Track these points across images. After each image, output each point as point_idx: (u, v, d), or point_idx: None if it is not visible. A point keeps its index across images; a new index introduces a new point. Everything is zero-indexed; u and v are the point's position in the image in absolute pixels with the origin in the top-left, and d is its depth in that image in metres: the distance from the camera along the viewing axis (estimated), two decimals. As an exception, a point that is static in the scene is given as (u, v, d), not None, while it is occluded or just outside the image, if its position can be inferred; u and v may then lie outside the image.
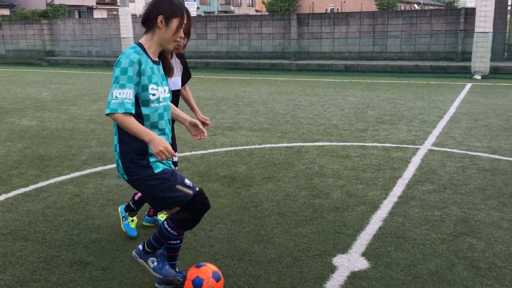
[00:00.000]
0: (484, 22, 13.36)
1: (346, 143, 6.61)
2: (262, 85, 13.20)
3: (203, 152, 6.33)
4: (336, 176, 5.21)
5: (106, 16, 41.75)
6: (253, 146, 6.58)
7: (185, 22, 2.68)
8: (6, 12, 39.87)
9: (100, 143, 6.82)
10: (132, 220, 3.88)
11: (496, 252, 3.43)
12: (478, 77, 13.71)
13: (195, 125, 3.04)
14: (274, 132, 7.36)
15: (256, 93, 11.74)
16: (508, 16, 16.19)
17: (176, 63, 3.56)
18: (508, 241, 3.61)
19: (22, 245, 3.67)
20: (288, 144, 6.63)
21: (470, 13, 16.21)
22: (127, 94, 2.51)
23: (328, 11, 44.97)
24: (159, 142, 2.50)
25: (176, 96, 3.56)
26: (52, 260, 3.43)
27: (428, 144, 6.47)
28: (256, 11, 60.28)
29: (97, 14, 44.77)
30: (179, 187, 2.69)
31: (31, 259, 3.46)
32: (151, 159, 2.68)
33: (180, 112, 3.19)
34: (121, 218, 3.90)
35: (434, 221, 3.97)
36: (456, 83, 13.16)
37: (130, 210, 3.88)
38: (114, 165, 5.69)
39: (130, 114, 2.53)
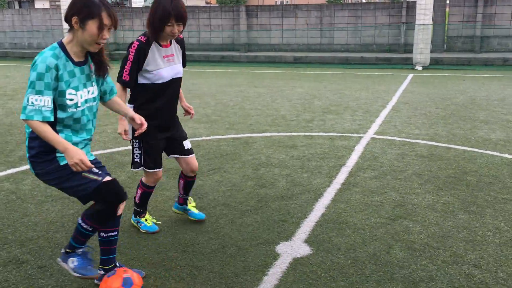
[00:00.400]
0: (424, 15, 13.85)
1: (293, 133, 6.68)
2: (211, 77, 13.11)
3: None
4: (282, 165, 5.26)
5: (48, 7, 40.05)
6: (200, 138, 6.53)
7: (105, 22, 2.49)
8: None
9: (40, 138, 6.55)
10: (146, 219, 3.74)
11: (430, 234, 3.58)
12: (419, 68, 14.22)
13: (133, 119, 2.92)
14: (222, 124, 7.33)
15: (206, 85, 11.65)
16: (447, 9, 16.86)
17: (176, 49, 3.41)
18: (442, 222, 3.78)
19: None
20: (236, 136, 6.62)
21: (411, 6, 16.75)
22: (45, 102, 2.44)
23: (278, 3, 45.16)
24: (74, 153, 2.42)
25: (179, 83, 3.46)
26: None
27: (371, 133, 6.65)
28: (206, 2, 59.71)
29: (38, 4, 42.91)
30: (85, 174, 2.60)
31: None
32: (58, 153, 2.59)
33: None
34: (137, 226, 3.73)
35: (374, 206, 4.10)
36: (399, 74, 13.58)
37: (139, 214, 3.74)
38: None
39: (47, 122, 2.46)
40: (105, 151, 5.95)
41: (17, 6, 40.88)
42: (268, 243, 3.47)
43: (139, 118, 2.85)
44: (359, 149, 5.84)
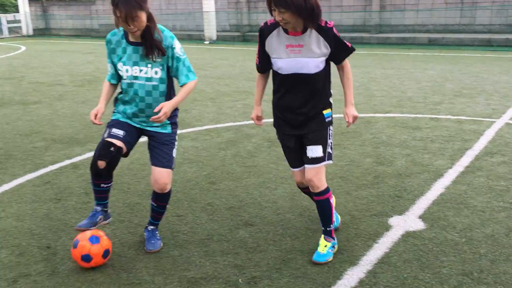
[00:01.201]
0: None
1: (418, 115, 6.55)
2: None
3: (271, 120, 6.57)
4: (403, 145, 5.25)
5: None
6: (323, 116, 6.72)
7: (117, 15, 2.79)
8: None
9: (180, 110, 7.30)
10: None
11: (559, 222, 3.39)
12: None
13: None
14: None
15: (332, 66, 11.72)
16: None
17: (313, 40, 2.83)
18: None
19: (110, 193, 4.18)
20: (358, 115, 6.68)
21: None
22: (108, 67, 3.18)
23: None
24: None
25: (305, 80, 2.91)
26: (134, 207, 3.90)
27: (505, 118, 6.24)
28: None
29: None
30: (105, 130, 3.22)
31: (117, 204, 3.95)
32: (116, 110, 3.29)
33: None
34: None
35: (498, 191, 3.95)
36: (551, 57, 12.22)
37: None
38: (192, 130, 6.17)
39: (109, 82, 3.24)
40: (235, 124, 6.46)
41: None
42: (381, 215, 3.60)
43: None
44: (489, 134, 5.55)
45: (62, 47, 19.29)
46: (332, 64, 3.05)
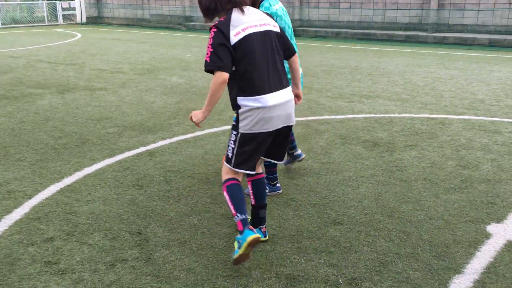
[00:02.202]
0: None
1: (494, 119, 6.27)
2: (396, 56, 12.80)
3: (342, 116, 6.46)
4: (486, 149, 5.03)
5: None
6: (392, 115, 6.55)
7: None
8: (149, -21, 43.04)
9: (243, 102, 7.27)
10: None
11: None
12: None
13: None
14: (414, 103, 7.21)
15: (391, 64, 11.44)
16: None
17: None
18: None
19: (190, 182, 4.18)
20: (430, 116, 6.48)
21: None
22: None
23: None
24: None
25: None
26: (217, 197, 3.88)
27: None
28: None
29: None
30: None
31: (199, 193, 3.94)
32: None
33: None
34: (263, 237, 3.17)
35: None
36: None
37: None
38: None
39: None
40: (301, 119, 6.36)
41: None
42: (477, 221, 3.44)
43: None
44: None
45: (116, 35, 19.66)
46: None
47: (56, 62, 11.46)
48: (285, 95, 2.88)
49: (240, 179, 2.98)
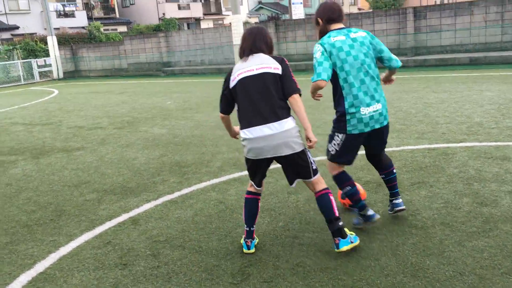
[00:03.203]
0: None
1: (498, 143, 5.91)
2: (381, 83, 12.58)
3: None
4: (499, 180, 4.63)
5: (212, 26, 43.39)
6: (390, 149, 6.15)
7: None
8: (123, 29, 43.33)
9: (231, 149, 6.85)
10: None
11: None
12: None
13: None
14: (410, 133, 6.85)
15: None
16: None
17: None
18: None
19: (180, 254, 3.68)
20: (430, 146, 6.10)
21: None
22: None
23: (438, 2, 42.28)
24: None
25: None
26: (213, 270, 3.38)
27: None
28: (359, 9, 58.79)
29: (204, 24, 46.77)
30: None
31: (192, 268, 3.44)
32: None
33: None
34: (354, 243, 3.42)
35: None
36: None
37: (343, 229, 3.43)
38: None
39: None
40: (296, 162, 5.93)
41: (186, 27, 45.04)
42: (514, 273, 2.98)
43: None
44: None
45: (94, 88, 19.33)
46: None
47: (31, 123, 10.98)
48: (274, 128, 3.27)
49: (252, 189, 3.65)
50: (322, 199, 3.45)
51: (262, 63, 3.35)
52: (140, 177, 5.84)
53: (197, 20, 47.78)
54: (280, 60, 3.40)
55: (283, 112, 3.30)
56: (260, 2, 55.58)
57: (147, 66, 24.94)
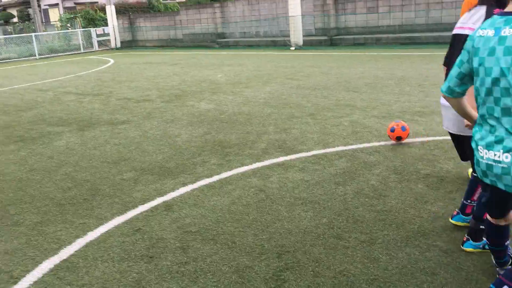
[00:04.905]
0: None
1: None
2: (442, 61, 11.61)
3: (394, 142, 5.48)
4: None
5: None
6: (455, 137, 5.50)
7: None
8: (182, -1, 43.24)
9: (277, 130, 6.43)
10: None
11: None
12: None
13: None
14: (478, 119, 6.12)
15: (442, 70, 10.30)
16: None
17: None
18: None
19: (211, 249, 3.35)
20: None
21: None
22: None
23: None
24: None
25: None
26: (244, 272, 3.02)
27: None
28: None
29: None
30: None
31: (222, 268, 3.10)
32: None
33: None
34: (483, 250, 3.02)
35: None
36: None
37: (481, 233, 2.98)
38: (297, 156, 5.23)
39: None
40: (346, 148, 5.43)
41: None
42: None
43: None
44: None
45: (148, 58, 19.35)
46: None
47: (83, 93, 11.02)
48: None
49: None
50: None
51: None
52: (180, 157, 5.56)
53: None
54: None
55: None
56: (320, -28, 53.77)
57: (202, 37, 24.72)
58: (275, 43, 20.77)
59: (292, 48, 18.91)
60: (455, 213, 3.40)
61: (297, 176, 4.65)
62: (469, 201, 3.29)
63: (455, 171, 4.46)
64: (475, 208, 3.07)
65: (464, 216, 3.33)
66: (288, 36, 19.85)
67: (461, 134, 3.00)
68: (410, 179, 4.34)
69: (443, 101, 3.07)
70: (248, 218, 3.81)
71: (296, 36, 19.19)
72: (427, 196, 3.95)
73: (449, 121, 3.06)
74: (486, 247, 2.98)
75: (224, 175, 4.84)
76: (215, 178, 4.78)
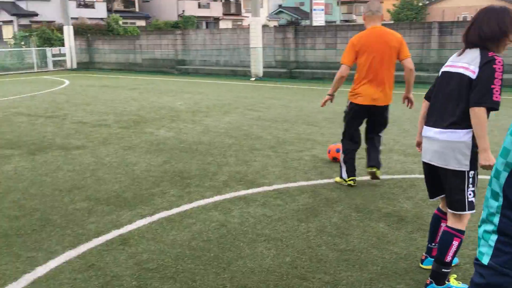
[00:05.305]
0: None
1: None
2: (399, 100, 12.01)
3: (355, 179, 5.52)
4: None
5: (231, 26, 43.02)
6: (413, 176, 5.63)
7: None
8: (142, 23, 43.10)
9: (239, 161, 6.36)
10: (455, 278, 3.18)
11: None
12: None
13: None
14: (434, 159, 6.30)
15: (398, 109, 10.61)
16: None
17: None
18: None
19: (171, 288, 3.19)
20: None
21: None
22: None
23: (460, 19, 41.60)
24: None
25: None
26: None
27: None
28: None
29: (222, 24, 46.43)
30: None
31: None
32: None
33: None
34: None
35: None
36: None
37: (443, 277, 3.04)
38: (259, 190, 5.17)
39: None
40: (308, 183, 5.43)
41: (204, 26, 44.72)
42: None
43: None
44: None
45: (106, 81, 18.96)
46: None
47: (35, 115, 10.58)
48: (436, 133, 2.97)
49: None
50: (444, 235, 3.05)
51: (466, 62, 2.87)
52: (138, 186, 5.37)
53: (216, 19, 47.48)
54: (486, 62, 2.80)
55: (455, 119, 2.91)
56: (280, 6, 55.19)
57: (161, 62, 24.55)
58: (235, 73, 20.90)
59: (252, 79, 19.08)
60: (423, 257, 3.42)
61: (259, 211, 4.57)
62: (433, 244, 3.31)
63: (415, 210, 4.52)
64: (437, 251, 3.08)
65: (432, 259, 3.34)
66: (249, 66, 20.05)
67: (446, 167, 2.94)
68: (372, 218, 4.36)
69: (426, 133, 3.05)
70: (209, 255, 3.68)
71: (257, 67, 19.41)
72: (389, 236, 3.97)
73: (433, 153, 2.99)
74: None
75: (184, 207, 4.70)
76: (175, 210, 4.63)
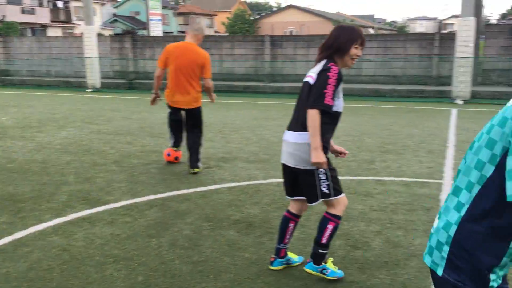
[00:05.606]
0: (465, 47, 13.35)
1: (359, 177, 6.04)
2: (242, 109, 12.56)
3: (203, 189, 5.58)
4: (366, 219, 4.61)
5: (61, 34, 40.09)
6: (257, 182, 5.89)
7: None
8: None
9: (79, 179, 5.93)
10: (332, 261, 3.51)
11: None
12: (460, 102, 13.61)
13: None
14: (275, 164, 6.69)
15: (238, 117, 11.08)
16: (483, 40, 16.35)
17: None
18: None
19: None
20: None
21: (446, 37, 16.33)
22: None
23: (287, 33, 45.29)
24: None
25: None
26: None
27: (449, 178, 5.99)
28: (215, 32, 60.14)
29: (51, 32, 43.00)
30: None
31: None
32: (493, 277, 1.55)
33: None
34: (321, 274, 3.40)
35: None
36: (439, 108, 12.99)
37: (323, 258, 3.40)
38: (105, 208, 4.88)
39: None
40: (156, 196, 5.31)
41: (29, 34, 40.90)
42: (399, 331, 2.80)
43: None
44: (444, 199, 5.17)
45: None
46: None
47: None
48: (289, 136, 3.30)
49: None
50: (322, 220, 3.39)
51: (312, 71, 3.24)
52: (-43, 216, 4.64)
53: (44, 26, 43.77)
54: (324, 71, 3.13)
55: (302, 123, 3.20)
56: (115, 15, 53.32)
57: (-19, 73, 21.75)
58: (69, 84, 19.53)
59: (89, 90, 18.04)
60: (272, 259, 3.57)
61: (106, 230, 4.31)
62: (282, 244, 3.51)
63: (262, 215, 4.73)
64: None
65: (281, 260, 3.52)
66: (84, 77, 18.91)
67: (297, 167, 3.23)
68: (222, 226, 4.44)
69: (284, 137, 3.32)
70: (51, 285, 3.35)
71: (93, 78, 18.41)
72: (239, 242, 4.08)
73: (288, 155, 3.28)
74: (324, 272, 3.36)
75: (18, 235, 4.20)
76: (7, 239, 4.11)
